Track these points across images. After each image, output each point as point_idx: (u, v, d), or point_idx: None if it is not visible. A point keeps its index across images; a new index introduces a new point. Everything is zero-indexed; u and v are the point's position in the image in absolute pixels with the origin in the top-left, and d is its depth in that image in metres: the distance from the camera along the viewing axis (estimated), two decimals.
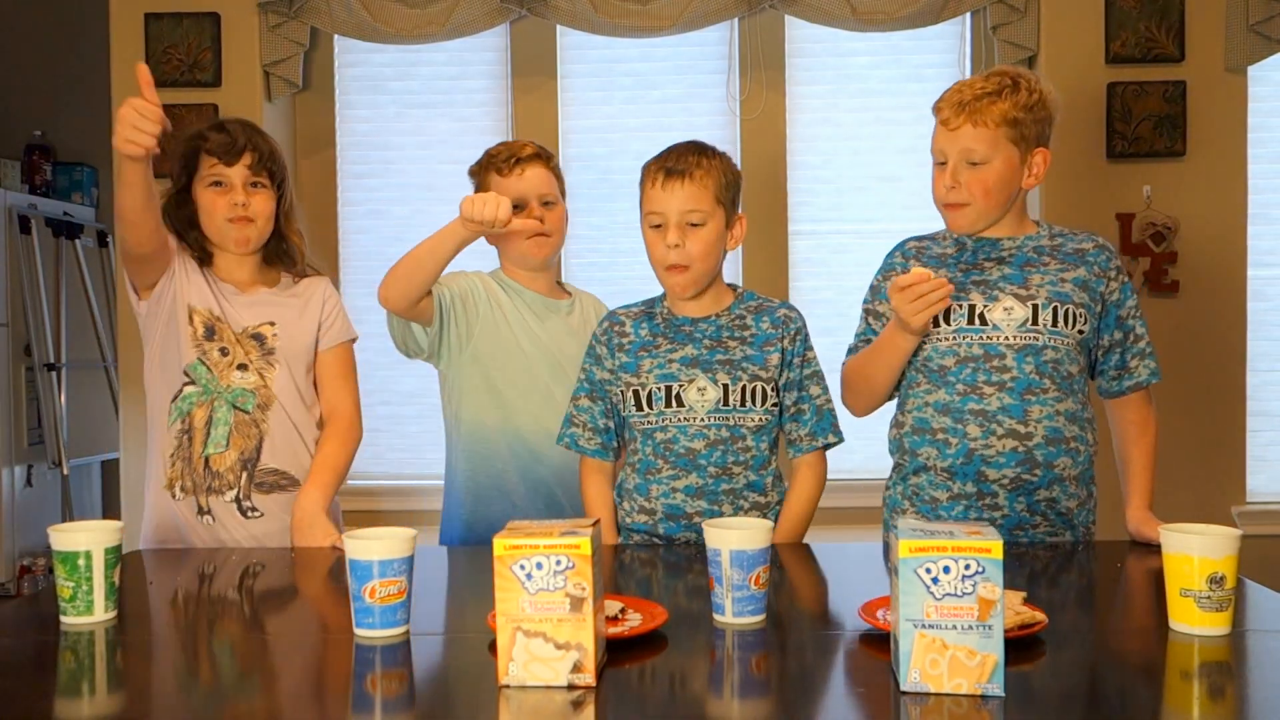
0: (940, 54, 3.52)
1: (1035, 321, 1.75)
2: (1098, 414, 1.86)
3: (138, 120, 1.66)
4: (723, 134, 3.52)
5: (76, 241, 4.40)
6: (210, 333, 1.90)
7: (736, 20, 3.48)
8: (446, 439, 2.15)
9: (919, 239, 1.91)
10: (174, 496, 1.89)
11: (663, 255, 1.79)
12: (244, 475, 1.90)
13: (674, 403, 1.79)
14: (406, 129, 3.63)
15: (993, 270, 1.80)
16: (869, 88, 3.53)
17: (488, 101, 3.61)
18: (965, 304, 1.78)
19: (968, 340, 1.77)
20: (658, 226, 1.79)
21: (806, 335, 1.86)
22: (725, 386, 1.78)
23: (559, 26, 3.50)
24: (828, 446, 1.85)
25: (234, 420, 1.89)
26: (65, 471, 4.21)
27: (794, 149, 3.56)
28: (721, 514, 1.78)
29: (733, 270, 3.52)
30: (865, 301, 1.92)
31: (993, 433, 1.75)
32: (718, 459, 1.78)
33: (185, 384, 1.89)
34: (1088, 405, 1.82)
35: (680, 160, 1.78)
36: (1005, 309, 1.76)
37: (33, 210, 4.25)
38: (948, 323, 1.78)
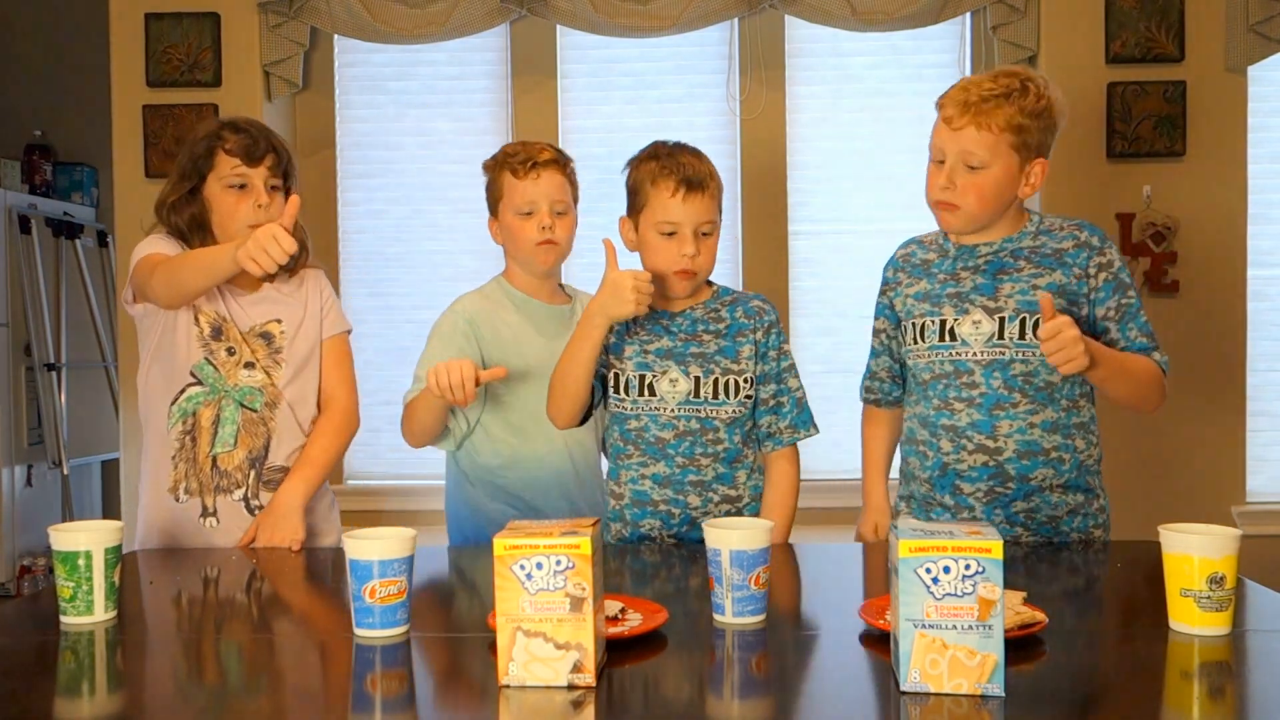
0: (940, 54, 3.52)
1: (1001, 336, 1.73)
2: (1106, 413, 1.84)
3: (271, 246, 1.64)
4: (723, 134, 3.52)
5: (76, 241, 4.40)
6: (217, 332, 1.89)
7: (736, 20, 3.48)
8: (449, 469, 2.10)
9: (907, 246, 1.91)
10: (177, 499, 1.87)
11: (675, 261, 1.80)
12: (252, 474, 1.89)
13: (646, 391, 1.82)
14: (406, 129, 3.63)
15: (967, 280, 1.78)
16: (869, 88, 3.53)
17: (488, 101, 3.61)
18: (938, 319, 1.77)
19: (939, 357, 1.78)
20: (670, 234, 1.80)
21: (780, 328, 1.89)
22: (697, 379, 1.81)
23: (559, 26, 3.50)
24: (806, 438, 1.87)
25: (241, 419, 1.88)
26: (65, 471, 4.21)
27: (794, 149, 3.56)
28: (688, 504, 1.81)
29: (733, 270, 3.52)
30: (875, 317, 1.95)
31: (963, 448, 1.75)
32: (685, 449, 1.81)
33: (190, 384, 1.88)
34: (1080, 410, 1.77)
35: (694, 170, 1.80)
36: (974, 323, 1.75)
37: (33, 210, 4.26)
38: (923, 339, 1.79)
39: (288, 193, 1.93)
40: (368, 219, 3.64)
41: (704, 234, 1.81)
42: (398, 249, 3.63)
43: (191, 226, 1.91)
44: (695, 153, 1.85)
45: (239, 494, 1.88)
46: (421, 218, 3.63)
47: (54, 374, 4.23)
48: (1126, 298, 1.74)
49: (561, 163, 2.04)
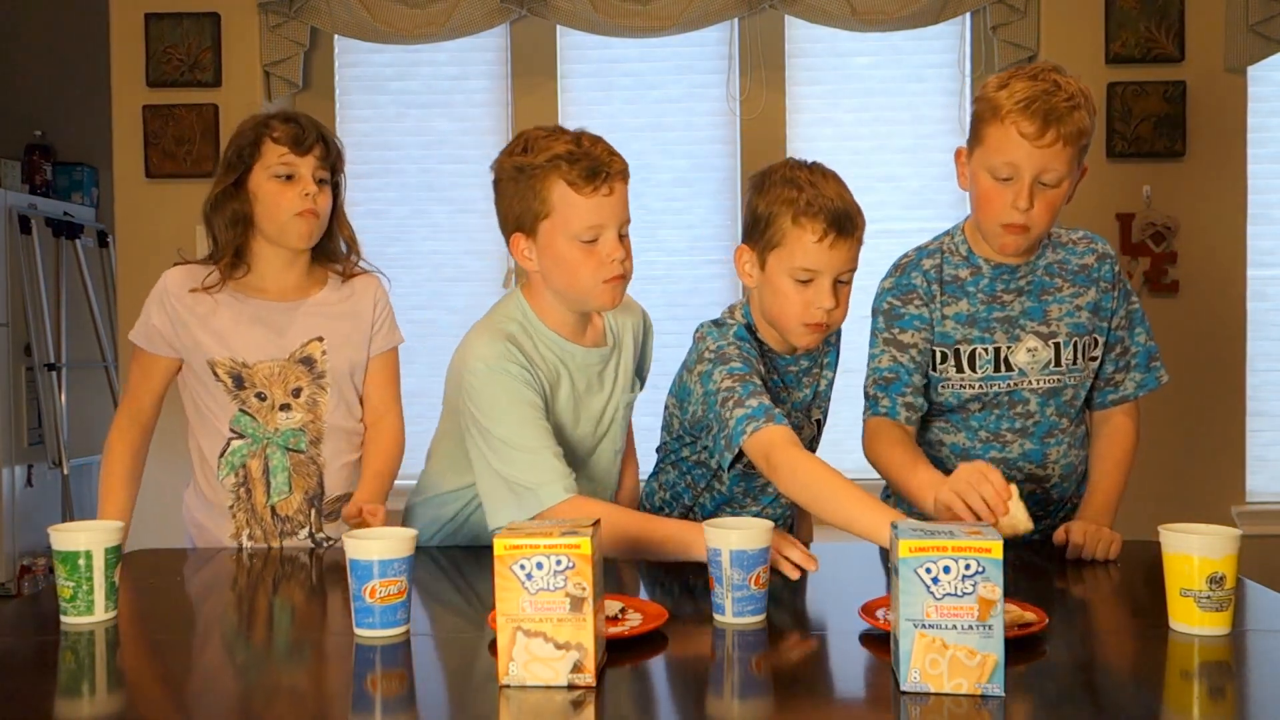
0: (940, 54, 3.52)
1: (1058, 362, 1.67)
2: None
3: None
4: (723, 134, 3.52)
5: (76, 241, 4.40)
6: (239, 382, 1.79)
7: (736, 20, 3.49)
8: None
9: (932, 256, 1.74)
10: (242, 545, 1.83)
11: (809, 313, 1.61)
12: (312, 512, 1.84)
13: None
14: (406, 129, 3.63)
15: (1013, 303, 1.68)
16: (869, 88, 3.53)
17: (488, 101, 3.61)
18: (991, 346, 1.68)
19: (994, 388, 1.68)
20: (806, 281, 1.59)
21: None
22: (818, 421, 1.80)
23: (559, 26, 3.51)
24: None
25: (291, 463, 1.82)
26: (65, 471, 4.22)
27: (794, 149, 3.56)
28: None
29: (732, 272, 3.51)
30: (878, 329, 1.73)
31: (1012, 479, 1.68)
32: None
33: (232, 438, 1.81)
34: (1083, 418, 1.78)
35: (843, 206, 1.59)
36: (1029, 350, 1.67)
37: (33, 210, 4.26)
38: (974, 369, 1.68)
39: (335, 188, 1.87)
40: (368, 219, 3.63)
41: (842, 281, 1.61)
42: (398, 249, 3.62)
43: (228, 223, 1.80)
44: (837, 180, 1.62)
45: (303, 534, 1.84)
46: (421, 218, 3.63)
47: (54, 374, 4.23)
48: (1131, 303, 1.74)
49: (628, 171, 1.59)
